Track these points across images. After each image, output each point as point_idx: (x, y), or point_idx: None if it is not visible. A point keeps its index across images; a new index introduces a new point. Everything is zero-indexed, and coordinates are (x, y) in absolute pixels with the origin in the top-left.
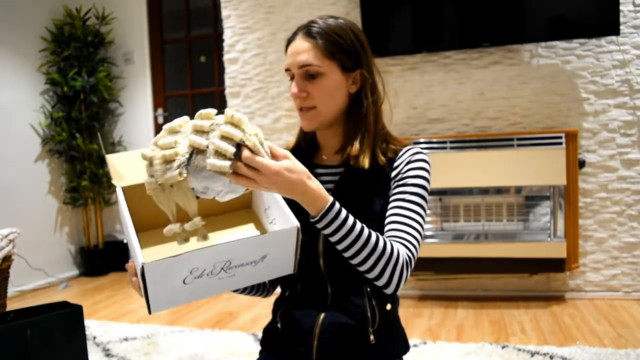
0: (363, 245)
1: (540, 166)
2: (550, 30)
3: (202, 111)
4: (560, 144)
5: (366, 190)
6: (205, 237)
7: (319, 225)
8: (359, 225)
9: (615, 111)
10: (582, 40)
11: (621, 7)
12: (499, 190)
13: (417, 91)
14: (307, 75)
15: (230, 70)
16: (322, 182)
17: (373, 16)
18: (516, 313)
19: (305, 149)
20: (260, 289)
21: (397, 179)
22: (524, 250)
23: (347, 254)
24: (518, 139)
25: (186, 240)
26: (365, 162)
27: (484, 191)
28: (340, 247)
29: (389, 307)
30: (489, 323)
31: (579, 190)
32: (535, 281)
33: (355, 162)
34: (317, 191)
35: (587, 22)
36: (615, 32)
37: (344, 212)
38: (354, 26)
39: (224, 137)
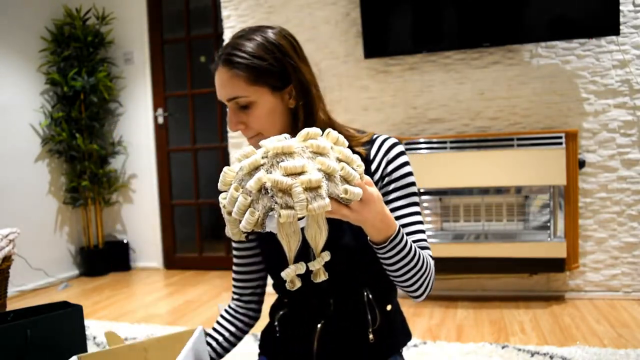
0: (413, 267)
1: (540, 166)
2: (550, 30)
3: (310, 130)
4: (560, 144)
5: None
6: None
7: (382, 251)
8: (414, 248)
9: (615, 111)
10: (582, 40)
11: (621, 7)
12: (499, 190)
13: (417, 91)
14: (239, 107)
15: None
16: None
17: (373, 16)
18: (516, 313)
19: None
20: (242, 332)
21: (384, 182)
22: (524, 250)
23: (395, 273)
24: (518, 139)
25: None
26: None
27: (484, 191)
28: (392, 267)
29: (389, 307)
30: (489, 323)
31: (579, 190)
32: (535, 281)
33: None
34: (390, 218)
35: (587, 22)
36: (615, 32)
37: (405, 237)
38: (277, 37)
39: (342, 162)
